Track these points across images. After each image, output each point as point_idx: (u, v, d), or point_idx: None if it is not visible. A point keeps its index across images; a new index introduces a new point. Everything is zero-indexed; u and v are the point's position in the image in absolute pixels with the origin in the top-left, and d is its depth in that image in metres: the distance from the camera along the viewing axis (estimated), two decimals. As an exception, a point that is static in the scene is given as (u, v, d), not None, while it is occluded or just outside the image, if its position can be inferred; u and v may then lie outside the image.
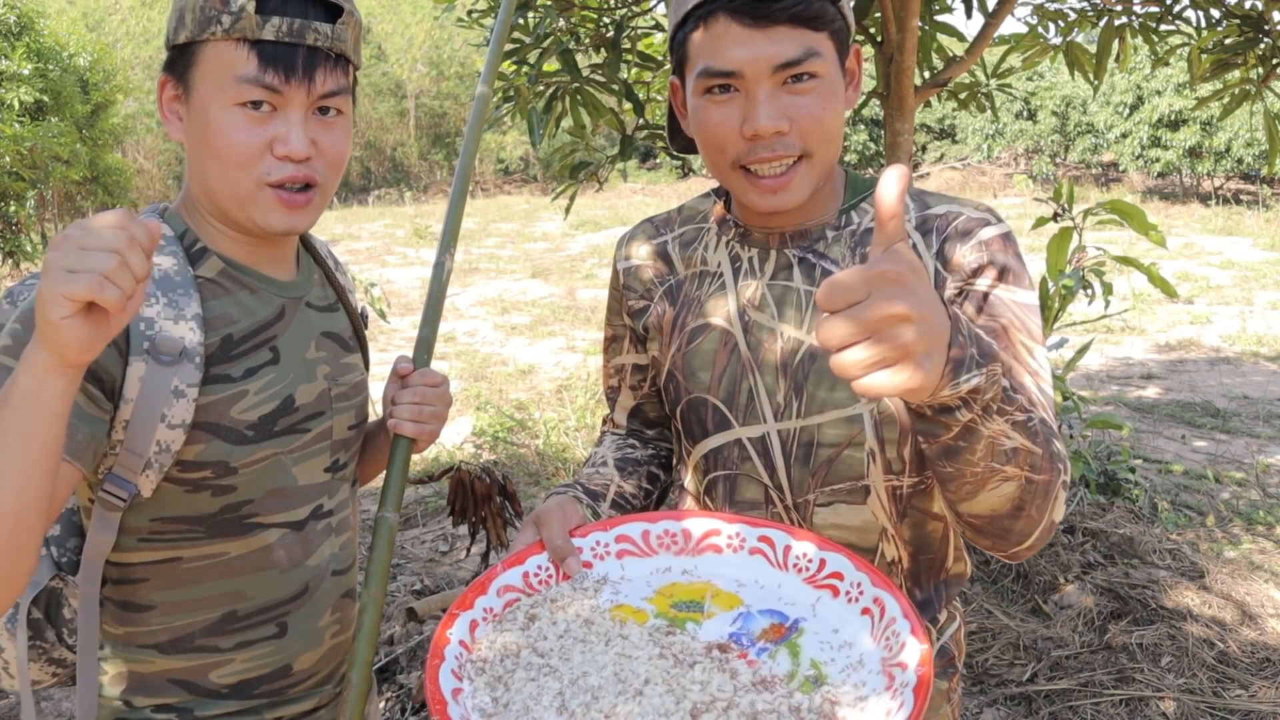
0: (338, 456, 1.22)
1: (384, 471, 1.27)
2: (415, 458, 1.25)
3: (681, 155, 1.23)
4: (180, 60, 1.07)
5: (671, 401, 1.24)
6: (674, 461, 1.36)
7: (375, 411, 3.90)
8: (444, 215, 1.33)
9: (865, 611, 1.00)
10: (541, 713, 0.88)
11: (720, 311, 1.19)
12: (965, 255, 1.09)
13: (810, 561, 1.07)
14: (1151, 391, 6.42)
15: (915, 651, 0.89)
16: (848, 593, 1.03)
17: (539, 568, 1.08)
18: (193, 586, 1.11)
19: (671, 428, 1.32)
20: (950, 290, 1.10)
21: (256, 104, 1.04)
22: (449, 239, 1.28)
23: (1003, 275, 1.08)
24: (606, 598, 1.05)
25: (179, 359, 1.03)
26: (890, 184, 0.73)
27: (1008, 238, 1.10)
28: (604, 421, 1.43)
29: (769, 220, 1.18)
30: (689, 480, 1.25)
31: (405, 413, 1.23)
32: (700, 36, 1.06)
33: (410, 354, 1.29)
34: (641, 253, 1.29)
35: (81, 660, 1.10)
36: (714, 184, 1.29)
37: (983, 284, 1.08)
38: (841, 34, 1.08)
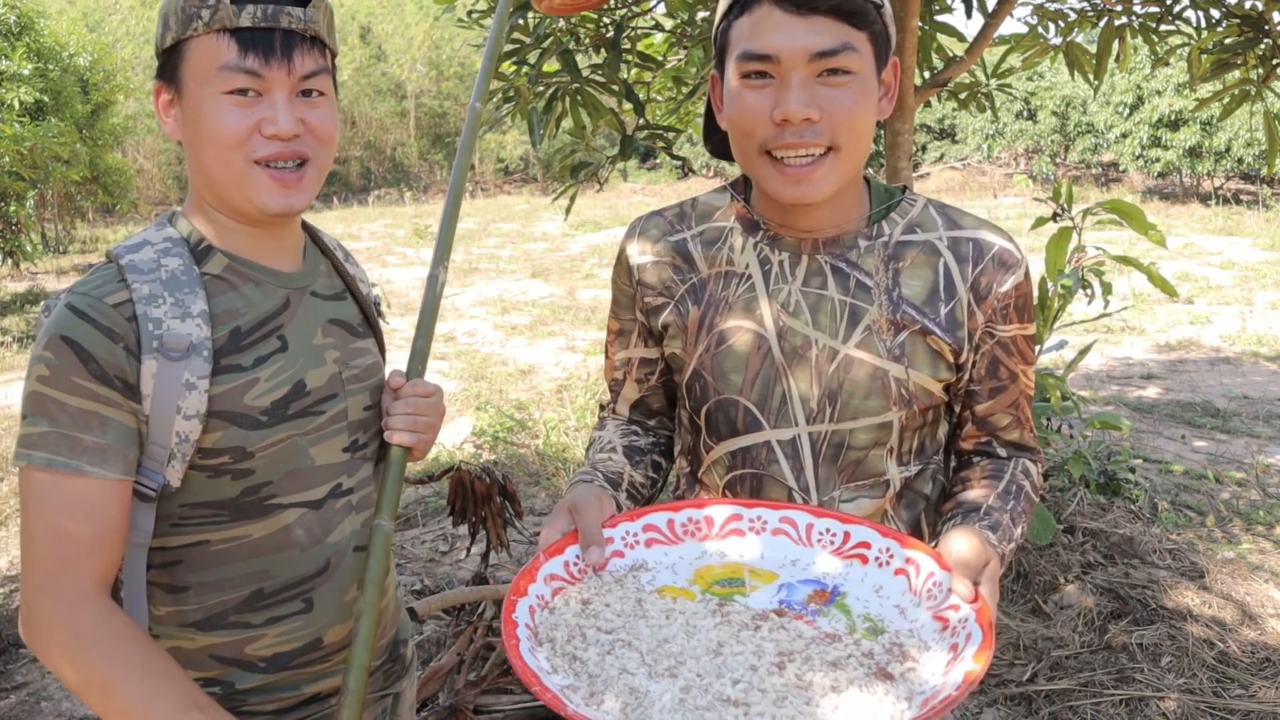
0: (356, 436, 1.27)
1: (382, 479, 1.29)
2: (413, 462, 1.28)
3: (714, 158, 1.30)
4: (170, 63, 1.15)
5: (697, 400, 1.25)
6: (675, 450, 1.37)
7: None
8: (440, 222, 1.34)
9: (899, 572, 1.05)
10: (630, 679, 0.91)
11: (752, 314, 1.21)
12: (997, 295, 1.19)
13: (834, 536, 1.12)
14: (1151, 391, 6.42)
15: (964, 589, 0.97)
16: (878, 558, 1.08)
17: (578, 556, 1.10)
18: (221, 567, 1.18)
19: (678, 419, 1.34)
20: (980, 326, 1.19)
21: (243, 91, 1.11)
22: (442, 253, 1.32)
23: (1022, 315, 1.21)
24: (648, 581, 1.09)
25: (187, 353, 1.10)
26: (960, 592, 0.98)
27: (1029, 274, 1.22)
28: (601, 408, 1.44)
29: (798, 220, 1.20)
30: (708, 475, 1.27)
31: (400, 423, 1.25)
32: (743, 22, 1.10)
33: (406, 357, 1.31)
34: (658, 249, 1.29)
35: None
36: (715, 184, 1.30)
37: (1009, 330, 1.21)
38: (881, 40, 1.12)
